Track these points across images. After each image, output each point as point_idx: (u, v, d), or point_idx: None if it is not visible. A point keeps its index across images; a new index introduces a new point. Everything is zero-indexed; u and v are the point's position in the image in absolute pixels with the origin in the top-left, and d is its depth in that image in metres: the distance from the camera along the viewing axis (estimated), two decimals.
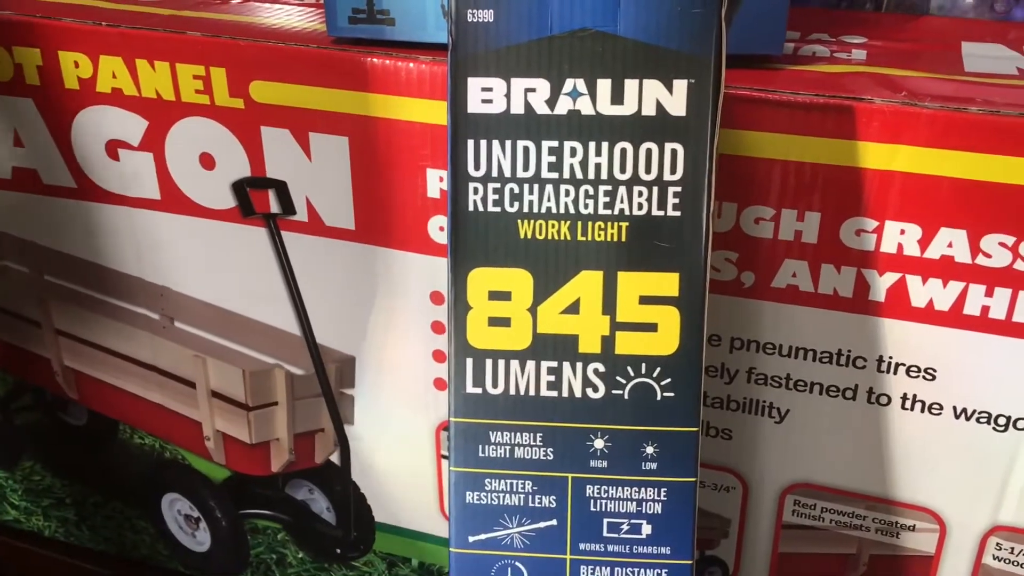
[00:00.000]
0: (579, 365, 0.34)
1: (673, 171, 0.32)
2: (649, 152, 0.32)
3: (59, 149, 0.46)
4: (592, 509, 0.34)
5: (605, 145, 0.32)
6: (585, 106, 0.32)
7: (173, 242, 0.47)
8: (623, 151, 0.32)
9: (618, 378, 0.34)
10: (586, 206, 0.33)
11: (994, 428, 0.38)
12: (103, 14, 0.43)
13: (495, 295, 0.33)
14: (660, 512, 0.34)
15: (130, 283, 0.49)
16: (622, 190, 0.32)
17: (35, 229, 0.50)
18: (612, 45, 0.31)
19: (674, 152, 0.32)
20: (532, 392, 0.34)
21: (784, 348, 0.40)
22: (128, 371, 0.52)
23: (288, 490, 0.53)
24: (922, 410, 0.39)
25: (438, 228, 0.41)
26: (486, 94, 0.32)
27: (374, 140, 0.40)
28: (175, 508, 0.56)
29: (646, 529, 0.34)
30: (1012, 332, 0.36)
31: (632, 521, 0.34)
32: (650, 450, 0.34)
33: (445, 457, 0.47)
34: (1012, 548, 0.41)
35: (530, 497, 0.35)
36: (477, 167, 0.33)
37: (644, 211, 0.32)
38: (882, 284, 0.37)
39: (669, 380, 0.33)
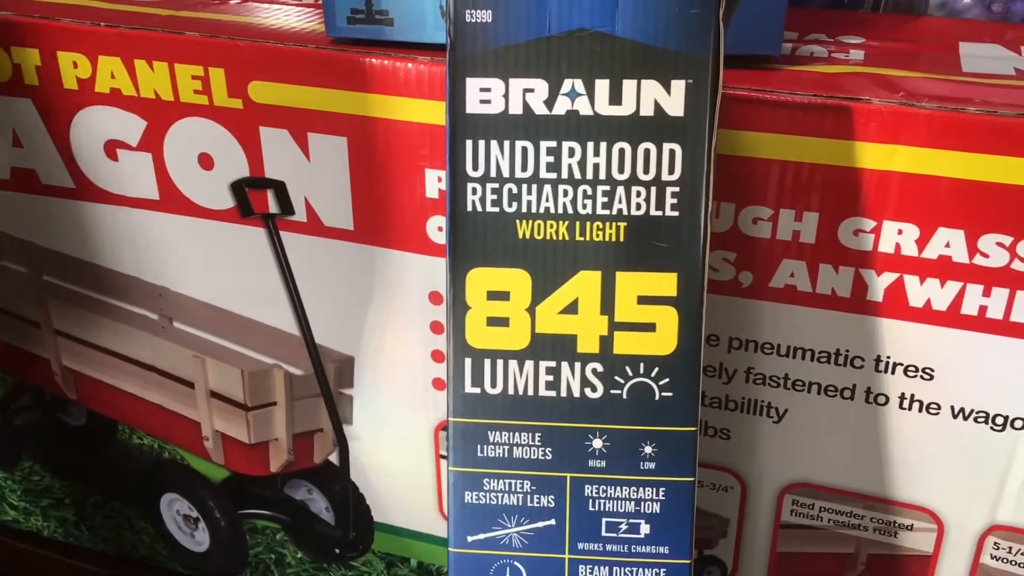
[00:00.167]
0: (577, 365, 0.34)
1: (671, 171, 0.32)
2: (647, 152, 0.32)
3: (58, 149, 0.46)
4: (591, 509, 0.35)
5: (603, 145, 0.32)
6: (583, 106, 0.32)
7: (172, 242, 0.47)
8: (621, 151, 0.32)
9: (616, 378, 0.34)
10: (584, 206, 0.33)
11: (992, 428, 0.38)
12: (102, 14, 0.43)
13: (494, 295, 0.33)
14: (658, 512, 0.34)
15: (129, 283, 0.49)
16: (620, 190, 0.32)
17: (34, 229, 0.50)
18: (610, 45, 0.31)
19: (672, 152, 0.32)
20: (531, 392, 0.34)
21: (782, 348, 0.40)
22: (127, 371, 0.52)
23: (287, 490, 0.53)
24: (920, 410, 0.39)
25: (436, 228, 0.41)
26: (484, 94, 0.32)
27: (373, 140, 0.40)
28: (174, 508, 0.56)
29: (644, 529, 0.34)
30: (1010, 332, 0.36)
31: (631, 521, 0.34)
32: (648, 450, 0.34)
33: (444, 457, 0.47)
34: (1010, 547, 0.41)
35: (529, 497, 0.35)
36: (476, 167, 0.33)
37: (642, 211, 0.32)
38: (880, 284, 0.37)
39: (667, 380, 0.33)
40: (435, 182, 0.40)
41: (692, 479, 0.34)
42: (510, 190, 0.33)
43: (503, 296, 0.33)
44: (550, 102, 0.32)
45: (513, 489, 0.35)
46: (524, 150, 0.32)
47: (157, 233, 0.47)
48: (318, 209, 0.43)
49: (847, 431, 0.41)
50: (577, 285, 0.33)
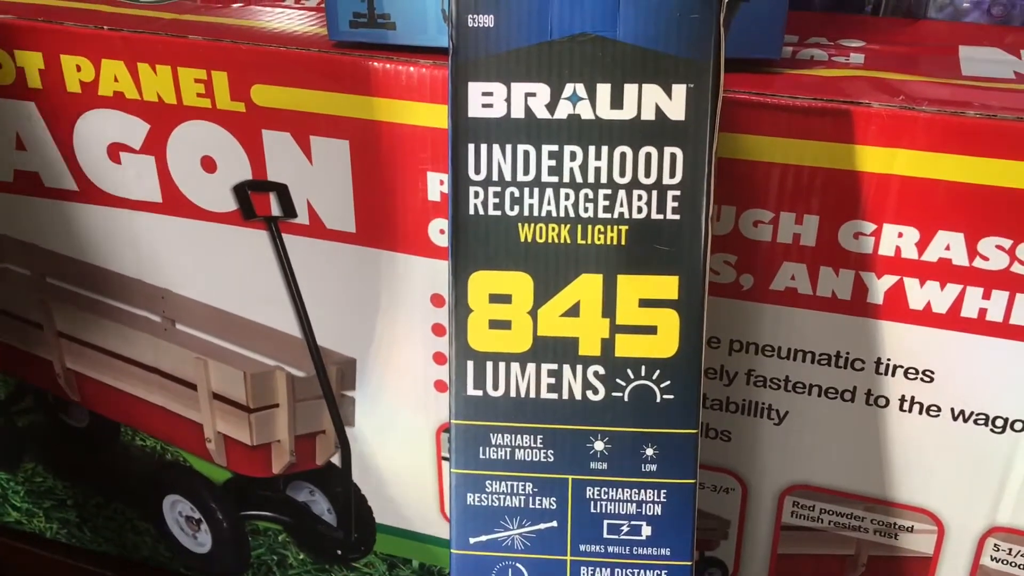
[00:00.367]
0: (579, 367, 0.34)
1: (672, 175, 0.32)
2: (648, 156, 0.32)
3: (61, 152, 0.46)
4: (592, 510, 0.35)
5: (605, 149, 0.32)
6: (585, 110, 0.32)
7: (174, 245, 0.47)
8: (623, 155, 0.32)
9: (618, 380, 0.34)
10: (586, 210, 0.33)
11: (992, 430, 0.38)
12: (105, 18, 0.44)
13: (496, 298, 0.34)
14: (660, 513, 0.34)
15: (131, 285, 0.49)
16: (622, 194, 0.32)
17: (37, 232, 0.50)
18: (611, 50, 0.32)
19: (673, 156, 0.32)
20: (532, 394, 0.34)
21: (783, 350, 0.40)
22: (130, 373, 0.52)
23: (289, 492, 0.53)
24: (920, 412, 0.39)
25: (438, 231, 0.42)
26: (487, 98, 0.32)
27: (375, 143, 0.41)
28: (176, 509, 0.56)
29: (646, 530, 0.35)
30: (1009, 334, 0.36)
31: (632, 522, 0.35)
32: (650, 452, 0.34)
33: (446, 459, 0.47)
34: (1010, 549, 0.41)
35: (530, 499, 0.35)
36: (478, 171, 0.33)
37: (643, 215, 0.33)
38: (880, 287, 0.37)
39: (669, 382, 0.33)
40: (437, 185, 0.40)
41: (693, 481, 0.34)
42: (512, 194, 0.33)
43: (505, 299, 0.34)
44: (552, 106, 0.32)
45: (515, 491, 0.35)
46: (526, 154, 0.33)
47: (160, 236, 0.47)
48: (320, 212, 0.43)
49: (848, 433, 0.41)
50: (579, 288, 0.33)
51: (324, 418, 0.49)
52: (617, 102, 0.32)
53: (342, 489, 0.51)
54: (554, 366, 0.34)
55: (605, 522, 0.35)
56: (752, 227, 0.38)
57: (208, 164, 0.44)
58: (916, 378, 0.39)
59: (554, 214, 0.33)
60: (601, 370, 0.34)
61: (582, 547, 0.35)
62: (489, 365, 0.34)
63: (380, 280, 0.44)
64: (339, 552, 0.53)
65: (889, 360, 0.39)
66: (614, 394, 0.34)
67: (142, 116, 0.44)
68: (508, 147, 0.33)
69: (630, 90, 0.32)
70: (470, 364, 0.34)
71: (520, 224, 0.33)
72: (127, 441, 0.55)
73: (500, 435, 0.35)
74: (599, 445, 0.34)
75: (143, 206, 0.46)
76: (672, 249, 0.33)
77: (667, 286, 0.33)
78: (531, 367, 0.34)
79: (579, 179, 0.33)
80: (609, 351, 0.34)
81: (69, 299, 0.51)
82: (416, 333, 0.45)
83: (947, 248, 0.36)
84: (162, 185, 0.45)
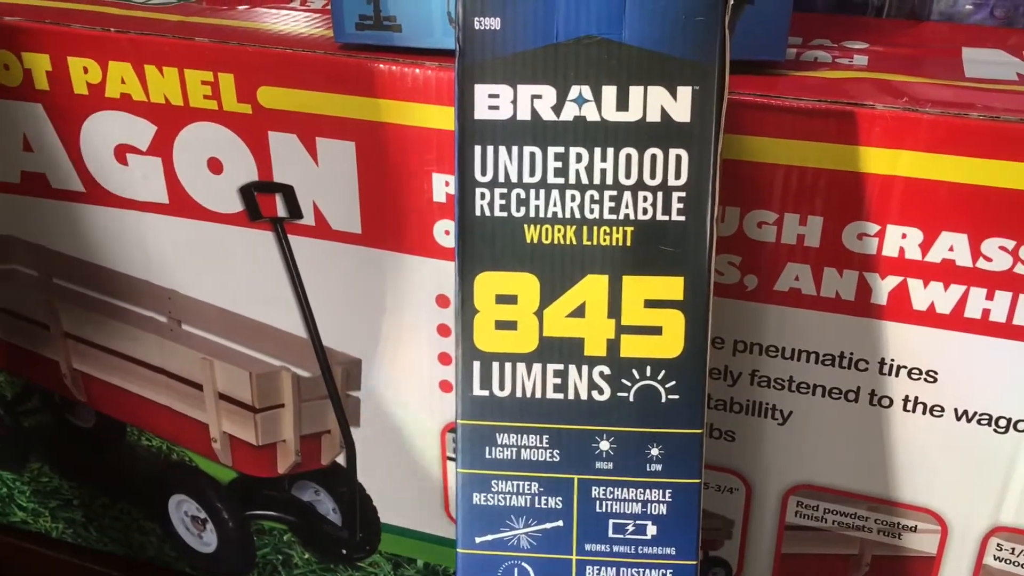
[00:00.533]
0: (585, 368, 0.34)
1: (677, 176, 0.32)
2: (654, 158, 0.32)
3: (68, 154, 0.47)
4: (598, 510, 0.35)
5: (610, 151, 0.32)
6: (591, 112, 0.32)
7: (181, 246, 0.47)
8: (628, 157, 0.32)
9: (623, 380, 0.34)
10: (591, 211, 0.33)
11: (995, 430, 0.39)
12: (112, 20, 0.44)
13: (502, 299, 0.34)
14: (665, 513, 0.35)
15: (138, 286, 0.49)
16: (627, 195, 0.33)
17: (44, 233, 0.50)
18: (617, 52, 0.32)
19: (678, 158, 0.32)
20: (538, 394, 0.34)
21: (787, 351, 0.40)
22: (136, 374, 0.52)
23: (294, 491, 0.53)
24: (924, 412, 0.39)
25: (444, 232, 0.42)
26: (493, 100, 0.33)
27: (381, 145, 0.41)
28: (182, 509, 0.57)
29: (651, 530, 0.35)
30: (1012, 335, 0.36)
31: (637, 522, 0.35)
32: (655, 452, 0.34)
33: (451, 459, 0.48)
34: (1013, 549, 0.41)
35: (536, 498, 0.35)
36: (484, 173, 0.33)
37: (649, 216, 0.33)
38: (884, 287, 0.37)
39: (674, 382, 0.34)
40: (442, 186, 0.41)
41: (698, 481, 0.34)
42: (518, 195, 0.33)
43: (511, 300, 0.34)
44: (558, 108, 0.32)
45: (521, 490, 0.35)
46: (532, 156, 0.33)
47: (166, 237, 0.47)
48: (326, 213, 0.43)
49: (851, 433, 0.41)
50: (584, 289, 0.33)
51: (329, 418, 0.49)
52: (623, 104, 0.32)
53: (347, 489, 0.51)
54: (560, 366, 0.34)
55: (611, 521, 0.35)
56: (756, 228, 0.38)
57: (214, 165, 0.44)
58: (919, 378, 0.39)
59: (560, 215, 0.33)
60: (607, 370, 0.34)
61: (588, 546, 0.35)
62: (495, 365, 0.34)
63: (385, 281, 0.44)
64: (344, 552, 0.54)
65: (893, 360, 0.39)
66: (619, 394, 0.34)
67: (149, 118, 0.44)
68: (514, 149, 0.33)
69: (635, 92, 0.32)
70: (476, 364, 0.34)
71: (526, 225, 0.33)
72: (133, 441, 0.56)
73: (506, 435, 0.35)
74: (605, 445, 0.34)
75: (150, 207, 0.46)
76: (677, 250, 0.33)
77: (672, 287, 0.33)
78: (537, 367, 0.34)
79: (585, 180, 0.33)
80: (615, 351, 0.34)
81: (76, 300, 0.51)
82: (421, 334, 0.45)
83: (950, 249, 0.36)
84: (168, 186, 0.45)
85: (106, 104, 0.44)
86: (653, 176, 0.32)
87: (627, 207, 0.33)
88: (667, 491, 0.34)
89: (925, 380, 0.39)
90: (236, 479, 0.53)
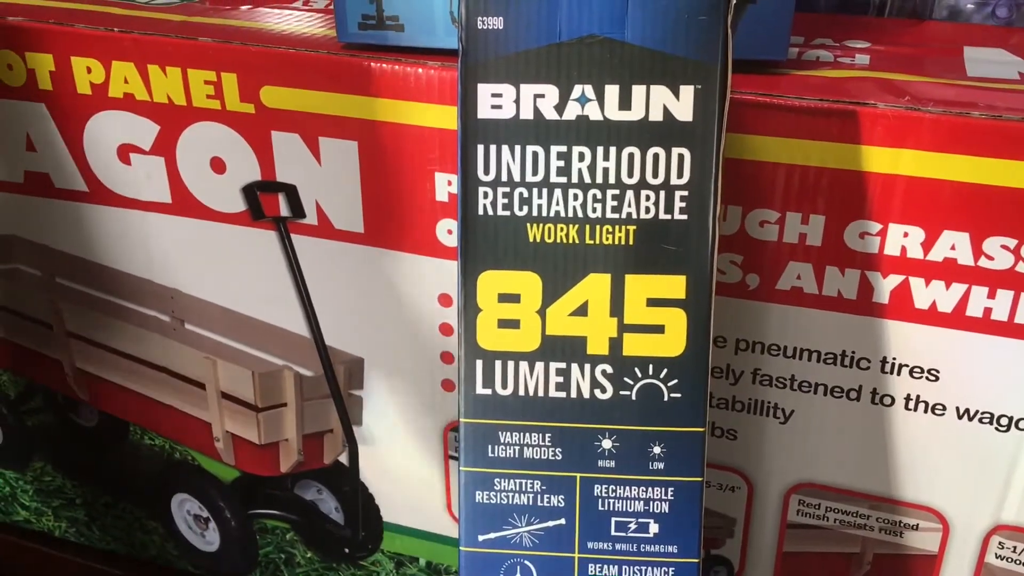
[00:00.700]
0: (587, 366, 0.34)
1: (680, 175, 0.32)
2: (656, 157, 0.32)
3: (71, 153, 0.47)
4: (600, 508, 0.35)
5: (613, 150, 0.32)
6: (593, 112, 0.32)
7: (184, 245, 0.47)
8: (631, 156, 0.32)
9: (626, 379, 0.34)
10: (594, 210, 0.33)
11: (996, 428, 0.39)
12: (115, 20, 0.44)
13: (504, 297, 0.34)
14: (667, 511, 0.35)
15: (141, 286, 0.49)
16: (630, 194, 0.33)
17: (47, 232, 0.50)
18: (620, 52, 0.32)
19: (681, 157, 0.32)
20: (541, 393, 0.34)
21: (789, 349, 0.40)
22: (139, 373, 0.52)
23: (297, 490, 0.53)
24: (925, 411, 0.39)
25: (446, 231, 0.42)
26: (496, 100, 0.33)
27: (383, 144, 0.41)
28: (185, 508, 0.57)
29: (653, 528, 0.35)
30: (1014, 333, 0.37)
31: (640, 520, 0.35)
32: (657, 450, 0.34)
33: (453, 458, 0.48)
34: (1014, 547, 0.41)
35: (539, 496, 0.35)
36: (487, 172, 0.33)
37: (651, 215, 0.33)
38: (886, 286, 0.37)
39: (676, 381, 0.34)
40: (445, 186, 0.41)
41: (700, 479, 0.34)
42: (521, 194, 0.33)
43: (514, 298, 0.34)
44: (560, 107, 0.32)
45: (523, 489, 0.35)
46: (535, 155, 0.33)
47: (169, 236, 0.47)
48: (329, 212, 0.43)
49: (853, 432, 0.41)
50: (587, 288, 0.33)
51: (332, 417, 0.49)
52: (625, 103, 0.32)
53: (350, 488, 0.51)
54: (562, 365, 0.34)
55: (613, 520, 0.35)
56: (758, 227, 0.38)
57: (217, 165, 0.44)
58: (921, 377, 0.39)
59: (563, 214, 0.33)
60: (609, 369, 0.34)
61: (590, 544, 0.35)
62: (498, 364, 0.34)
63: (388, 280, 0.44)
64: (347, 550, 0.54)
65: (894, 359, 0.39)
66: (622, 393, 0.34)
67: (152, 117, 0.44)
68: (517, 148, 0.33)
69: (638, 91, 0.32)
70: (479, 363, 0.34)
71: (529, 224, 0.33)
72: (136, 440, 0.56)
73: (509, 433, 0.35)
74: (607, 443, 0.34)
75: (153, 207, 0.46)
76: (680, 249, 0.33)
77: (675, 286, 0.33)
78: (539, 366, 0.34)
79: (587, 179, 0.33)
80: (617, 350, 0.34)
81: (79, 299, 0.51)
82: (424, 333, 0.45)
83: (952, 248, 0.36)
84: (172, 186, 0.45)
85: (109, 104, 0.44)
86: (655, 175, 0.33)
87: (629, 206, 0.33)
88: (669, 489, 0.34)
89: (927, 379, 0.39)
90: (239, 478, 0.53)
